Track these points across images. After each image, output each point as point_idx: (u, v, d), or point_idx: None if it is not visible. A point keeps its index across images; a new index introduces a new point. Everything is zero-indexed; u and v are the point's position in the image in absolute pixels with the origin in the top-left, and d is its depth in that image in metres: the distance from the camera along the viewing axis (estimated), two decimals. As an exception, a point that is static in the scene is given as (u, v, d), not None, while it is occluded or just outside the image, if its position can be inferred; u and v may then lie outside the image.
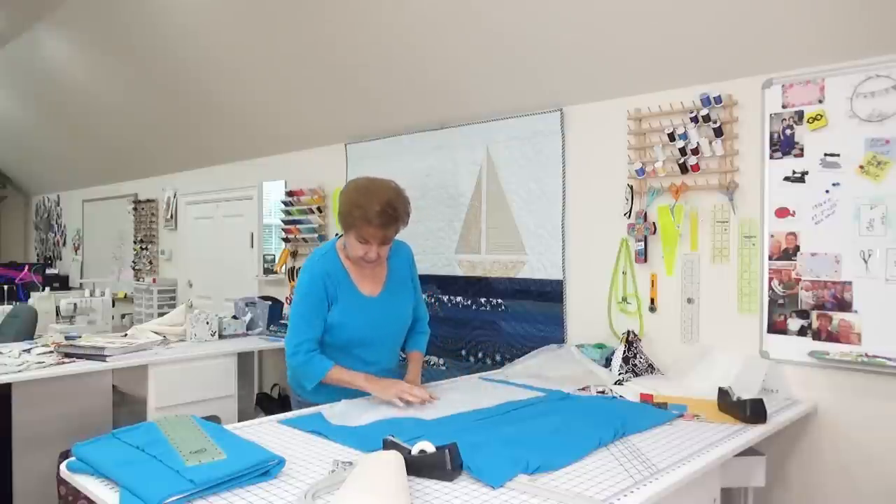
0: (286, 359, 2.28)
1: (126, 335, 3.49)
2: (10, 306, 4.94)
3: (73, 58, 5.71)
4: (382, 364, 2.34)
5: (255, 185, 4.99)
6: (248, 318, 3.95)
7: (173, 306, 5.42)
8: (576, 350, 2.80)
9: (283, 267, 4.66)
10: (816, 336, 2.33)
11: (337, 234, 2.35)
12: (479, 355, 3.40)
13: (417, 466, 1.48)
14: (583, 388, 2.44)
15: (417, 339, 2.48)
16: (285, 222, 4.60)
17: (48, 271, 7.70)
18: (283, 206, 4.62)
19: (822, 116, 2.30)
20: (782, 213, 2.41)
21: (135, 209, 6.57)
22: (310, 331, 2.21)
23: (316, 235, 4.36)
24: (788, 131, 2.39)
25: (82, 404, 2.96)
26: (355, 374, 2.19)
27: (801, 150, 2.36)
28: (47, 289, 5.56)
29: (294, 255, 4.60)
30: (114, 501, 1.35)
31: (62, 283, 7.56)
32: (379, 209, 2.09)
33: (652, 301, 2.77)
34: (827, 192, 2.30)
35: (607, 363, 2.70)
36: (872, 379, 2.23)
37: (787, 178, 2.39)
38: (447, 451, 1.48)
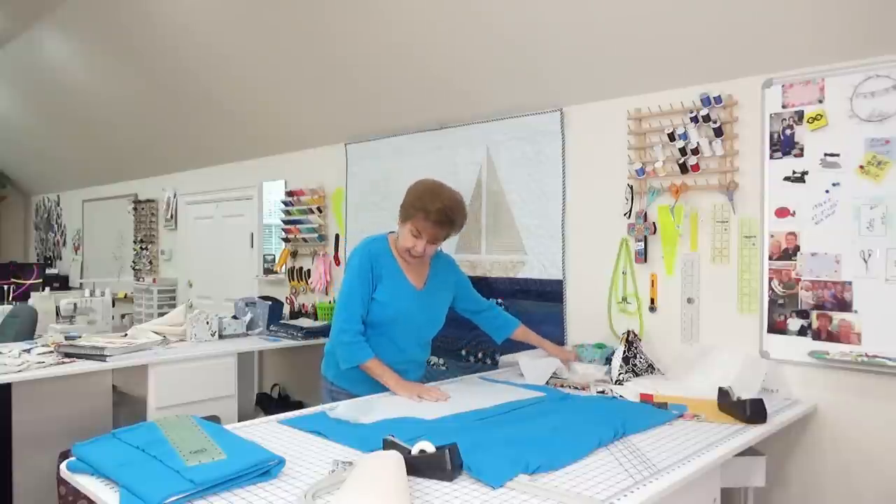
0: (331, 334, 2.44)
1: (126, 335, 3.49)
2: (11, 306, 4.94)
3: (73, 58, 5.71)
4: (412, 354, 2.50)
5: (255, 185, 4.99)
6: (248, 318, 3.95)
7: (173, 306, 5.42)
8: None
9: (283, 267, 4.66)
10: (816, 336, 2.33)
11: (390, 232, 2.56)
12: (479, 355, 3.40)
13: (417, 466, 1.48)
14: (583, 388, 2.44)
15: (506, 318, 2.74)
16: (285, 222, 4.60)
17: (48, 271, 7.70)
18: (283, 206, 4.62)
19: (822, 116, 2.30)
20: (782, 213, 2.41)
21: (135, 209, 6.57)
22: (359, 309, 2.37)
23: (316, 235, 4.36)
24: (788, 131, 2.39)
25: (82, 404, 2.97)
26: (387, 371, 2.35)
27: (801, 150, 2.36)
28: (47, 289, 5.55)
29: (294, 255, 4.60)
30: (114, 501, 1.35)
31: (62, 283, 7.56)
32: (439, 207, 2.33)
33: (652, 301, 2.77)
34: (827, 192, 2.30)
35: (607, 363, 2.70)
36: (872, 379, 2.23)
37: (787, 178, 2.39)
38: (447, 451, 1.48)
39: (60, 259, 8.33)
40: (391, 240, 2.49)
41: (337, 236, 4.27)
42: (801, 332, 2.37)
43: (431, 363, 3.60)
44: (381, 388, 2.35)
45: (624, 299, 2.86)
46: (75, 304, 4.47)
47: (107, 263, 7.20)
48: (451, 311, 2.66)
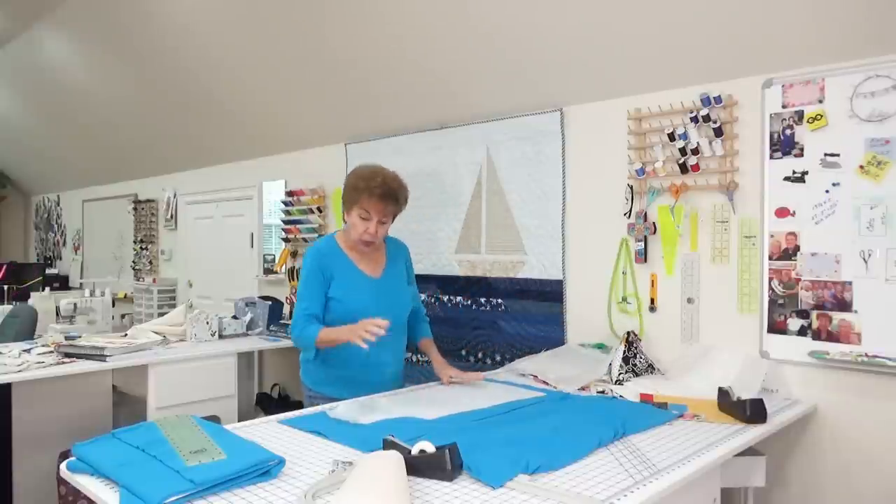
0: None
1: (126, 335, 3.49)
2: (10, 306, 4.94)
3: (72, 58, 5.71)
4: (380, 346, 2.31)
5: (255, 185, 4.99)
6: (248, 318, 3.95)
7: (173, 306, 5.41)
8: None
9: (283, 267, 4.66)
10: (816, 336, 2.33)
11: (338, 230, 2.55)
12: (479, 355, 3.40)
13: (417, 466, 1.48)
14: (583, 388, 2.44)
15: (422, 328, 2.65)
16: (285, 222, 4.61)
17: (48, 271, 7.69)
18: (283, 206, 4.62)
19: (822, 116, 2.30)
20: (782, 213, 2.41)
21: (135, 209, 6.57)
22: (309, 307, 2.35)
23: (316, 235, 4.36)
24: (788, 131, 2.39)
25: (82, 404, 2.96)
26: (339, 329, 2.27)
27: (801, 150, 2.36)
28: (47, 289, 5.55)
29: (294, 255, 4.59)
30: (114, 501, 1.35)
31: (62, 283, 7.56)
32: (381, 181, 2.33)
33: (652, 301, 2.77)
34: (827, 192, 2.30)
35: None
36: (872, 379, 2.23)
37: (787, 178, 2.39)
38: (447, 451, 1.48)
39: (60, 259, 8.33)
40: (339, 236, 2.48)
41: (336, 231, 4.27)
42: (801, 332, 2.37)
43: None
44: (359, 389, 2.27)
45: (624, 299, 2.86)
46: (75, 304, 4.47)
47: (107, 263, 7.20)
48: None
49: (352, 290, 2.37)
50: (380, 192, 2.31)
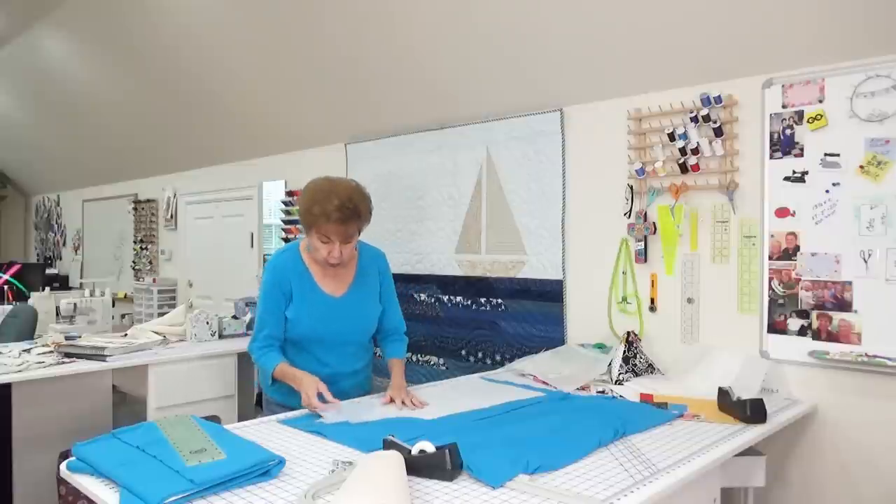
0: None
1: (126, 335, 3.49)
2: (10, 306, 4.93)
3: (72, 58, 5.71)
4: (337, 367, 2.29)
5: (255, 185, 4.99)
6: (248, 318, 3.94)
7: (173, 306, 5.41)
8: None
9: (283, 267, 4.65)
10: (816, 336, 2.33)
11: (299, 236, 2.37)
12: (479, 355, 3.40)
13: (417, 466, 1.48)
14: (583, 388, 2.44)
15: (395, 348, 2.41)
16: (285, 222, 4.61)
17: (48, 271, 7.70)
18: (283, 206, 4.62)
19: (822, 116, 2.30)
20: (782, 212, 2.41)
21: (135, 209, 6.57)
22: (265, 327, 2.24)
23: (316, 235, 4.36)
24: (788, 131, 2.39)
25: (82, 404, 2.96)
26: (297, 374, 2.13)
27: (801, 150, 2.36)
28: (47, 289, 5.55)
29: (294, 255, 4.59)
30: (114, 501, 1.35)
31: (62, 283, 7.56)
32: (338, 204, 2.09)
33: (652, 301, 2.77)
34: (827, 191, 2.30)
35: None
36: (872, 379, 2.23)
37: (787, 178, 2.39)
38: (447, 451, 1.48)
39: (60, 259, 8.33)
40: (304, 246, 2.29)
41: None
42: (801, 332, 2.37)
43: (431, 363, 3.60)
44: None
45: (624, 299, 2.86)
46: (75, 304, 4.46)
47: (107, 263, 7.21)
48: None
49: (307, 312, 2.22)
50: (338, 216, 2.09)
